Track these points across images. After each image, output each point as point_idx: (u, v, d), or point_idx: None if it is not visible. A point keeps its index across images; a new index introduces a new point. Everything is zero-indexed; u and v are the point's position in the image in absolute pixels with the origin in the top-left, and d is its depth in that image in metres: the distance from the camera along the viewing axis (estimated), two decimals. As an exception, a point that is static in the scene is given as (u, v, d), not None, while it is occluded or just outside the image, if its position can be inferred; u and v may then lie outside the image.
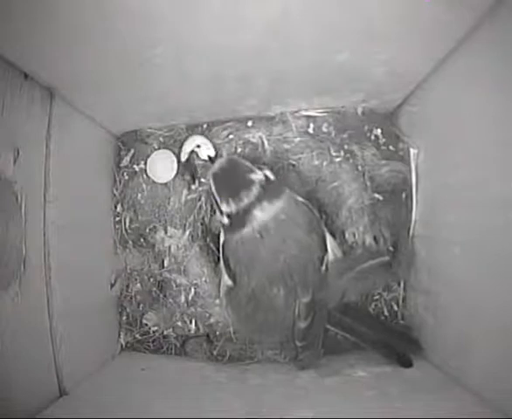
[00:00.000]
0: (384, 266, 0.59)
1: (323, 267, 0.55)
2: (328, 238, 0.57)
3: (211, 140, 0.66)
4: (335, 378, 0.52)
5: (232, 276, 0.56)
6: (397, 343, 0.56)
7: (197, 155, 0.66)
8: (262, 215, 0.51)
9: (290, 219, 0.52)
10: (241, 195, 0.50)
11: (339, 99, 0.61)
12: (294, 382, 0.53)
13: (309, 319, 0.54)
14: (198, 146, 0.65)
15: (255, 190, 0.51)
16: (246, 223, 0.51)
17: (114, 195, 0.68)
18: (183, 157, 0.66)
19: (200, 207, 0.67)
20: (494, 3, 0.36)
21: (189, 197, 0.67)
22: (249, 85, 0.54)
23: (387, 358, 0.55)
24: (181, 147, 0.67)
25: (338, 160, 0.64)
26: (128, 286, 0.67)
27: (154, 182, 0.68)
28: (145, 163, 0.68)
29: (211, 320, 0.65)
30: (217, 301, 0.64)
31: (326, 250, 0.55)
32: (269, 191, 0.51)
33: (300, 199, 0.55)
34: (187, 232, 0.66)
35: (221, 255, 0.57)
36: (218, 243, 0.59)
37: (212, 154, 0.66)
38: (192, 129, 0.68)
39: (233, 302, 0.58)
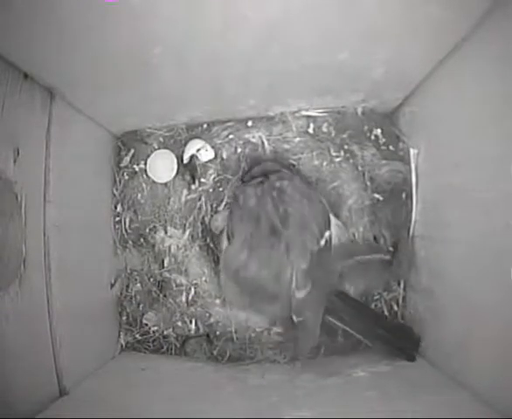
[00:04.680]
0: (384, 265, 0.59)
1: (322, 241, 0.56)
2: (335, 222, 0.59)
3: (211, 141, 0.66)
4: (335, 378, 0.52)
5: (231, 232, 0.57)
6: (398, 340, 0.56)
7: (197, 158, 0.67)
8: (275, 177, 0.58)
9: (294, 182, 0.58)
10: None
11: (339, 99, 0.61)
12: (294, 382, 0.53)
13: (307, 288, 0.54)
14: (198, 149, 0.66)
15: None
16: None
17: (114, 195, 0.68)
18: (185, 161, 0.67)
19: (200, 207, 0.67)
20: (494, 3, 0.36)
21: (189, 197, 0.67)
22: (249, 85, 0.54)
23: (387, 354, 0.54)
24: (182, 150, 0.67)
25: (338, 160, 0.64)
26: (128, 286, 0.67)
27: (154, 181, 0.68)
28: (145, 163, 0.68)
29: (211, 320, 0.65)
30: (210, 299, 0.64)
31: (328, 228, 0.57)
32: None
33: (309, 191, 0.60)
34: (187, 232, 0.66)
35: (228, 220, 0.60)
36: (219, 242, 0.60)
37: (212, 157, 0.66)
38: (192, 129, 0.68)
39: (226, 258, 0.58)
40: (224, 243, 0.59)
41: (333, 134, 0.65)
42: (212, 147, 0.66)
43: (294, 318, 0.55)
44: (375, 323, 0.57)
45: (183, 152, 0.67)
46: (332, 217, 0.59)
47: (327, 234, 0.56)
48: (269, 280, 0.55)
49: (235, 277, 0.57)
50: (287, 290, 0.54)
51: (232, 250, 0.57)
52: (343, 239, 0.59)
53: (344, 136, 0.64)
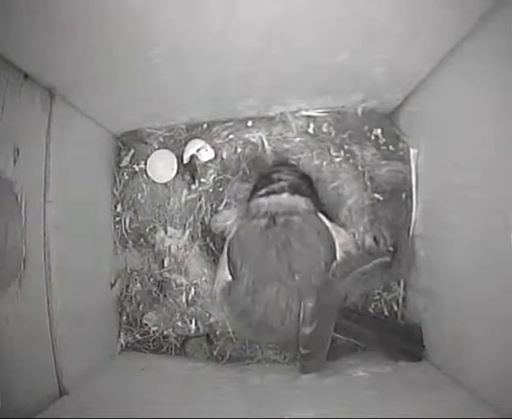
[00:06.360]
0: (384, 266, 0.59)
1: (329, 274, 0.55)
2: (339, 231, 0.58)
3: (211, 141, 0.66)
4: (335, 378, 0.52)
5: (233, 269, 0.57)
6: (401, 342, 0.56)
7: (197, 158, 0.67)
8: (276, 199, 0.58)
9: (301, 223, 0.56)
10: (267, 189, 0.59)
11: (339, 99, 0.61)
12: (294, 382, 0.53)
13: (314, 324, 0.53)
14: (198, 149, 0.66)
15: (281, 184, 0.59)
16: (260, 207, 0.58)
17: (114, 195, 0.68)
18: (185, 161, 0.67)
19: (200, 207, 0.67)
20: (494, 3, 0.36)
21: (189, 197, 0.67)
22: (249, 85, 0.54)
23: (393, 358, 0.54)
24: (182, 150, 0.67)
25: (338, 160, 0.64)
26: (127, 286, 0.67)
27: (154, 181, 0.68)
28: (145, 163, 0.68)
29: (211, 320, 0.65)
30: (210, 300, 0.64)
31: (334, 258, 0.56)
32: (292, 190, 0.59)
33: (312, 208, 0.59)
34: (187, 232, 0.66)
35: (225, 249, 0.59)
36: (219, 242, 0.60)
37: (212, 157, 0.66)
38: (192, 129, 0.68)
39: (231, 297, 0.58)
40: (225, 273, 0.58)
41: (333, 134, 0.65)
42: (212, 147, 0.66)
43: (301, 350, 0.55)
44: (378, 329, 0.57)
45: (183, 152, 0.67)
46: (336, 229, 0.58)
47: (333, 265, 0.56)
48: (276, 321, 0.55)
49: (242, 317, 0.57)
50: (294, 328, 0.54)
51: (237, 292, 0.56)
52: (349, 249, 0.58)
53: (344, 136, 0.64)
